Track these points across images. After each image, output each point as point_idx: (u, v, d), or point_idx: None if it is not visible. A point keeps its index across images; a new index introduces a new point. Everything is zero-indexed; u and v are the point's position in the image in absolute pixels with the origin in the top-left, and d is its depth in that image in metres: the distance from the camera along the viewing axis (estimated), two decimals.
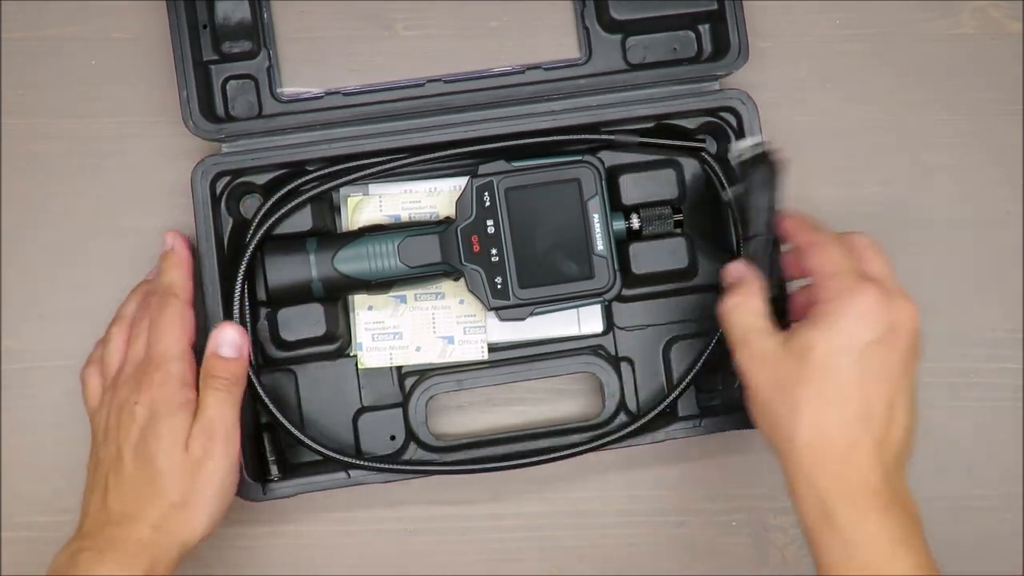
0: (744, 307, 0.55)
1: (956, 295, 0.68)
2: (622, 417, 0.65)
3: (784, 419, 0.52)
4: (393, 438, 0.64)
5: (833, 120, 0.68)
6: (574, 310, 0.65)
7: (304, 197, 0.62)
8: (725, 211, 0.64)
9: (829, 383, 0.51)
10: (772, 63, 0.67)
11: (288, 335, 0.62)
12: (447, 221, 0.62)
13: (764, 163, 0.57)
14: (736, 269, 0.58)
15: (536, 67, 0.65)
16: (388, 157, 0.63)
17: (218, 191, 0.62)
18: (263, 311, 0.63)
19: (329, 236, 0.63)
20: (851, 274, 0.53)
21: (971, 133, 0.69)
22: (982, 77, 0.69)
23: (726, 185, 0.63)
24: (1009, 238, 0.68)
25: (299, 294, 0.62)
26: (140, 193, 0.65)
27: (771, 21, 0.67)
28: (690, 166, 0.66)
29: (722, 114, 0.64)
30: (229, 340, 0.57)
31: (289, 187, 0.63)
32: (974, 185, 0.68)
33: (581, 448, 0.63)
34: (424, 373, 0.64)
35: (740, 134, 0.64)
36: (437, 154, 0.63)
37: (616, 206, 0.64)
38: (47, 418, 0.65)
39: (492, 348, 0.65)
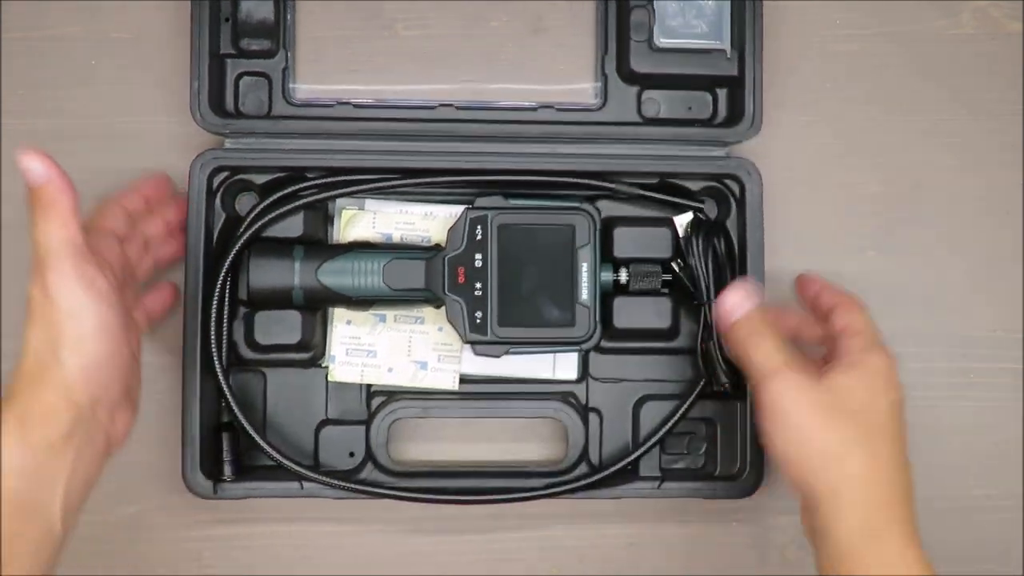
0: (769, 336, 0.56)
1: (956, 295, 0.68)
2: (583, 468, 0.64)
3: (834, 446, 0.53)
4: (352, 455, 0.64)
5: (833, 120, 0.68)
6: (551, 353, 0.65)
7: (300, 203, 0.63)
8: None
9: (875, 422, 0.54)
10: (773, 63, 0.67)
11: (262, 338, 0.62)
12: (436, 248, 0.62)
13: (705, 231, 0.62)
14: (740, 297, 0.57)
15: (549, 107, 0.65)
16: (388, 176, 0.63)
17: (215, 185, 0.62)
18: (241, 310, 0.63)
19: (317, 246, 0.63)
20: (874, 334, 0.57)
21: (971, 133, 0.68)
22: (982, 77, 0.69)
23: (695, 251, 0.63)
24: (1009, 238, 0.68)
25: (279, 299, 0.62)
26: None
27: (772, 21, 0.66)
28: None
29: (727, 181, 0.64)
30: (30, 168, 0.52)
31: (287, 191, 0.63)
32: (974, 185, 0.68)
33: (536, 493, 0.62)
34: (392, 395, 0.64)
35: (742, 203, 0.64)
36: (438, 179, 0.63)
37: (607, 257, 0.63)
38: None
39: (464, 379, 0.65)
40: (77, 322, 0.51)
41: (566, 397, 0.65)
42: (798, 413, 0.54)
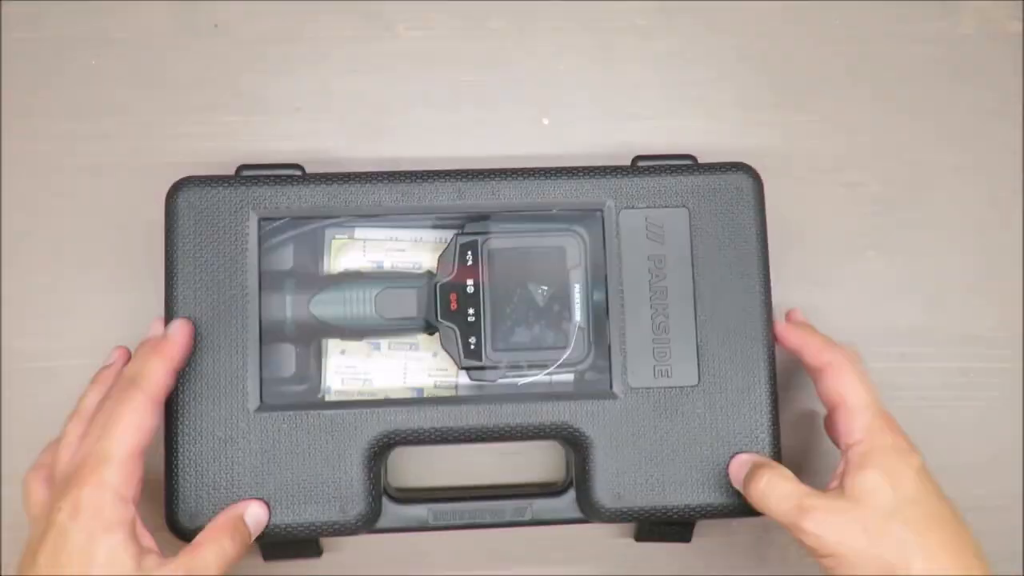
0: (778, 482, 0.54)
1: (956, 295, 0.68)
2: None
3: (892, 557, 0.51)
4: None
5: (833, 120, 0.68)
6: (547, 377, 0.64)
7: (290, 234, 0.62)
8: None
9: (915, 510, 0.52)
10: (773, 63, 0.67)
11: None
12: (428, 275, 0.62)
13: None
14: (742, 460, 0.58)
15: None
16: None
17: None
18: None
19: (307, 278, 0.63)
20: (876, 407, 0.55)
21: (971, 133, 0.68)
22: (982, 77, 0.69)
23: None
24: (1009, 238, 0.68)
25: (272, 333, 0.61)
26: (139, 193, 0.65)
27: (772, 20, 0.67)
28: None
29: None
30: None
31: (276, 223, 0.62)
32: (974, 185, 0.68)
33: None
34: None
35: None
36: (426, 215, 0.63)
37: (600, 278, 0.63)
38: (47, 418, 0.64)
39: None
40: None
41: None
42: (840, 543, 0.51)
